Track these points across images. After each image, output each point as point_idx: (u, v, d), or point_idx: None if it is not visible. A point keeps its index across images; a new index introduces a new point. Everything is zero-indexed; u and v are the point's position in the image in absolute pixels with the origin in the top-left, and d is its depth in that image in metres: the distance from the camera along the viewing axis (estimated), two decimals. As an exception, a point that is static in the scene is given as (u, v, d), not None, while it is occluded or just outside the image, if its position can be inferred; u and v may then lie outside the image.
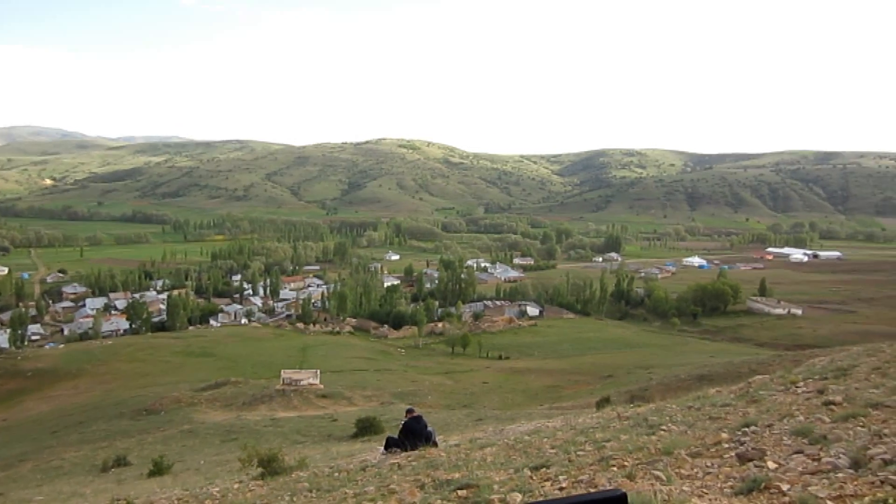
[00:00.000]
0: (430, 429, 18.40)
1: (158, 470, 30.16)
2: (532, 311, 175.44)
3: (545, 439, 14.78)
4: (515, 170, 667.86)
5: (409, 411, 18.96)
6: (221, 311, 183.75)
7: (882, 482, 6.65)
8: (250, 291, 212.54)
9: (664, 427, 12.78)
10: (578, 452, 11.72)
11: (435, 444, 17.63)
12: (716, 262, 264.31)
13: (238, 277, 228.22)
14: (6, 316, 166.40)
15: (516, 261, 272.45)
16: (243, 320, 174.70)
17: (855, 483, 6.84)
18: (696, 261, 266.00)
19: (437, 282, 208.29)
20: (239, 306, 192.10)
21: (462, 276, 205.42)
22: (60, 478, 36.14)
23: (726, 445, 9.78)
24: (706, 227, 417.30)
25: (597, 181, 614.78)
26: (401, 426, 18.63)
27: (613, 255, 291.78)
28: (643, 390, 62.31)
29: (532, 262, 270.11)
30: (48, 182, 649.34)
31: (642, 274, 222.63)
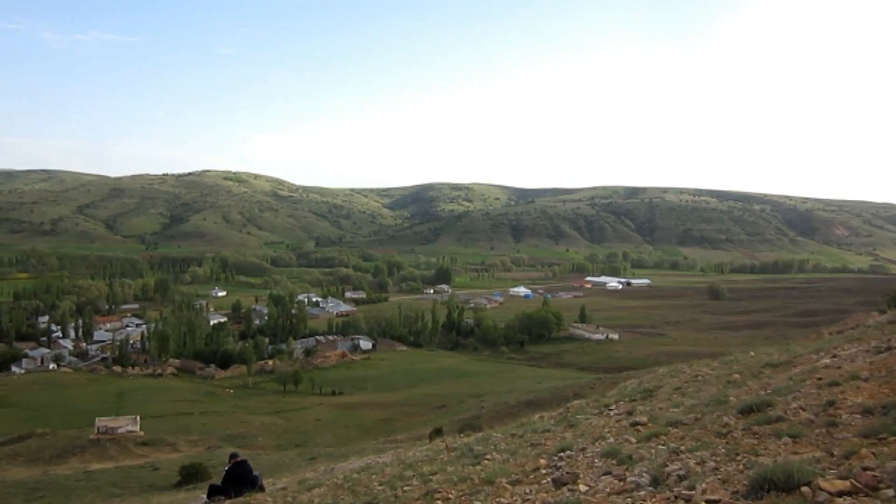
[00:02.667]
0: (255, 473, 17.80)
1: (-55, 540, 26.89)
2: (365, 344, 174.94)
3: (374, 476, 14.76)
4: (346, 203, 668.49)
5: (232, 456, 18.24)
6: (25, 356, 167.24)
7: (676, 497, 7.24)
8: (59, 334, 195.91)
9: (489, 456, 13.16)
10: (405, 488, 11.80)
11: (262, 489, 17.08)
12: (540, 291, 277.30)
13: (45, 319, 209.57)
14: None
15: (348, 294, 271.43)
16: (51, 365, 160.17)
17: (653, 500, 7.40)
18: (521, 290, 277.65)
19: (266, 318, 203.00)
20: (46, 350, 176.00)
21: (293, 311, 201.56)
22: None
23: (544, 471, 10.22)
24: (530, 257, 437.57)
25: (426, 214, 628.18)
26: (224, 472, 17.89)
27: (444, 286, 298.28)
28: (475, 419, 63.85)
29: (364, 296, 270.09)
30: None
31: (472, 304, 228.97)
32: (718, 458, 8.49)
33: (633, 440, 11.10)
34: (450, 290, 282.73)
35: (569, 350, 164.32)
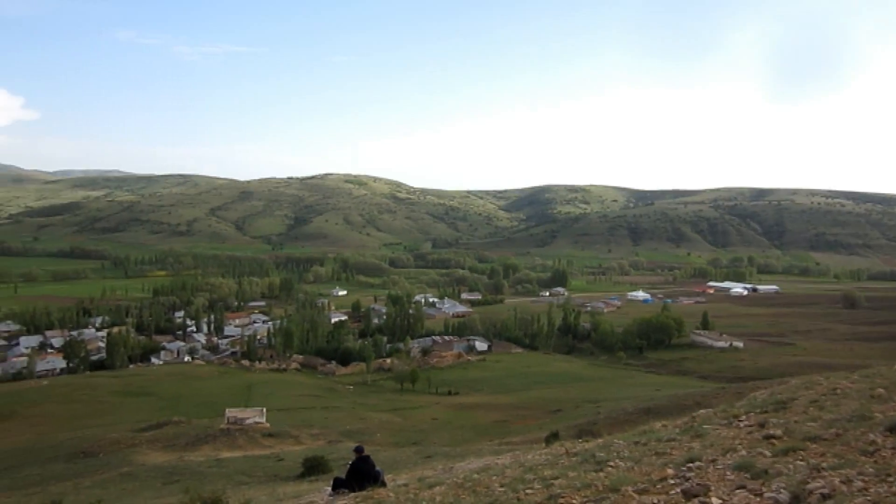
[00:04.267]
0: (378, 469, 18.21)
1: (95, 516, 28.97)
2: (480, 345, 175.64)
3: (494, 477, 14.77)
4: (462, 205, 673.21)
5: (357, 450, 18.72)
6: (163, 348, 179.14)
7: (821, 516, 6.84)
8: (193, 328, 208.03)
9: (611, 463, 12.90)
10: (527, 491, 11.74)
11: (383, 485, 17.44)
12: (659, 295, 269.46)
13: (181, 314, 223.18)
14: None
15: (464, 296, 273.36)
16: (186, 358, 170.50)
17: (795, 518, 7.02)
18: (640, 295, 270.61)
19: (384, 317, 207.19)
20: (182, 343, 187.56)
21: (410, 311, 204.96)
22: (-11, 527, 34.49)
23: (672, 481, 9.93)
24: (649, 261, 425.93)
25: (542, 217, 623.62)
26: (348, 466, 18.39)
27: (560, 289, 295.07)
28: (591, 424, 62.77)
29: (480, 297, 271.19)
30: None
31: (588, 308, 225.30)
32: (867, 478, 7.96)
33: (768, 454, 10.61)
34: (566, 293, 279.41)
35: (690, 357, 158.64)
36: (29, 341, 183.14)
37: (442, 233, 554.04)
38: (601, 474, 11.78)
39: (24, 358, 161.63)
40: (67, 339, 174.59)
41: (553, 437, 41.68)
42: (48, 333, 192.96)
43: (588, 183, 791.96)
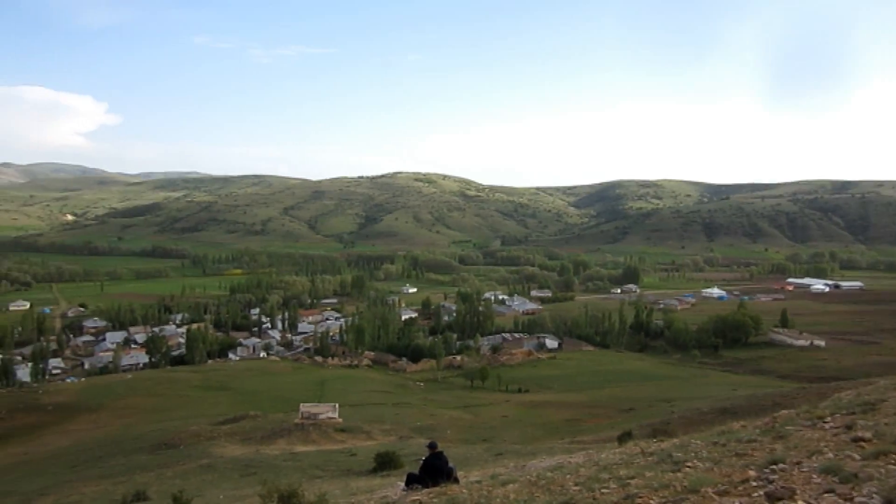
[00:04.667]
0: (451, 465, 18.27)
1: (178, 506, 29.91)
2: (551, 343, 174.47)
3: (568, 476, 14.61)
4: (531, 202, 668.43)
5: (430, 446, 18.83)
6: (240, 344, 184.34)
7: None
8: (268, 325, 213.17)
9: (689, 463, 12.61)
10: (602, 490, 11.58)
11: (456, 481, 17.47)
12: (735, 293, 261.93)
13: (256, 311, 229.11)
14: (27, 350, 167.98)
15: (534, 293, 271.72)
16: (261, 354, 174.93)
17: (889, 524, 6.72)
18: (715, 292, 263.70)
19: (454, 315, 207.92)
20: (257, 340, 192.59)
21: (480, 308, 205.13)
22: (80, 514, 36.04)
23: (754, 483, 9.64)
24: (724, 257, 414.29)
25: (612, 213, 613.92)
26: (422, 462, 18.50)
27: (631, 286, 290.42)
28: (665, 424, 61.50)
29: (550, 294, 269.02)
30: (69, 218, 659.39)
31: (661, 305, 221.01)
32: (968, 484, 7.55)
33: (857, 457, 10.19)
34: (638, 291, 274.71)
35: (768, 356, 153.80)
36: (114, 337, 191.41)
37: (511, 230, 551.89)
38: (679, 475, 11.53)
39: (110, 353, 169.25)
40: (150, 335, 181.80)
41: (626, 437, 41.00)
42: (132, 329, 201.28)
43: (660, 178, 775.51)
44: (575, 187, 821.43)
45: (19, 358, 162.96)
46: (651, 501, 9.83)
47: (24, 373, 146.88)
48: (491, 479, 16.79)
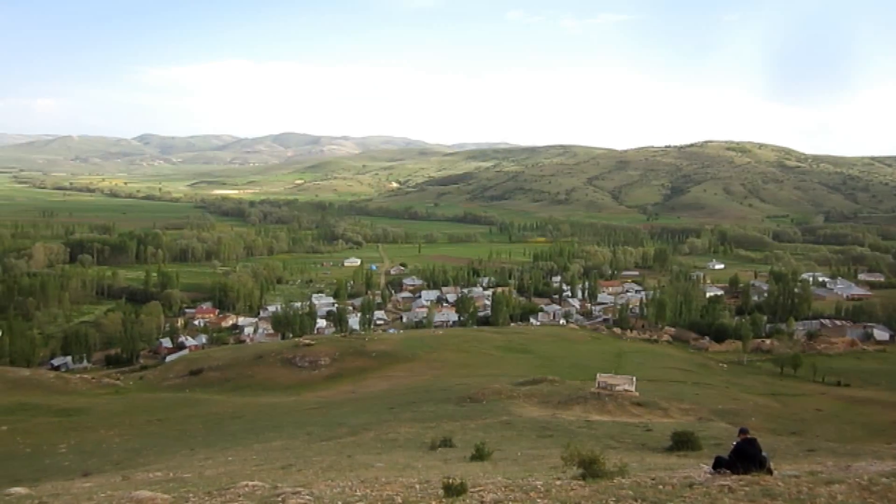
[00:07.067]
0: (764, 454, 17.24)
1: (480, 455, 31.78)
2: (880, 334, 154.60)
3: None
4: (864, 174, 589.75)
5: (742, 432, 17.96)
6: (541, 310, 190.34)
7: None
8: (569, 293, 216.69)
9: None
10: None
11: (769, 471, 16.40)
12: None
13: (557, 279, 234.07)
14: (357, 302, 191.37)
15: (861, 276, 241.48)
16: (561, 321, 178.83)
17: None
18: None
19: (765, 295, 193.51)
20: (557, 307, 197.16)
21: (795, 290, 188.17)
22: (396, 450, 40.00)
23: None
24: None
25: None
26: (733, 446, 17.73)
27: None
28: None
29: (882, 279, 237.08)
30: (394, 185, 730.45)
31: None
32: None
33: None
34: None
35: None
36: (429, 295, 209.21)
37: (837, 204, 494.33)
38: None
39: (425, 309, 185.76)
40: (459, 295, 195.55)
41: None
42: (444, 289, 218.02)
43: None
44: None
45: (351, 308, 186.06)
46: None
47: (354, 321, 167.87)
48: (810, 476, 15.46)
